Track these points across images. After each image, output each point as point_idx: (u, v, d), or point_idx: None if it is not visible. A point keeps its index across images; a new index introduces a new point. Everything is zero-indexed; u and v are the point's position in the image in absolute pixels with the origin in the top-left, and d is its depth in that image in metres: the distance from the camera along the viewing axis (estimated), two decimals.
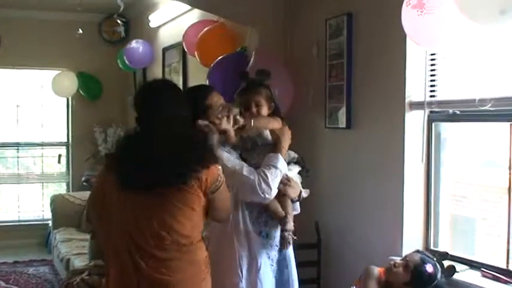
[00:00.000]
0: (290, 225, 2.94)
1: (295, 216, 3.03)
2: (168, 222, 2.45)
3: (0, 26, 7.52)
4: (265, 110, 2.98)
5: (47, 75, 8.01)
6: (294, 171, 3.07)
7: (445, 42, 2.91)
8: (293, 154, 3.10)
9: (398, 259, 3.10)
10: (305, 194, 3.08)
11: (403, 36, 3.28)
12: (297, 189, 3.04)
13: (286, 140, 3.00)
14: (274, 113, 3.03)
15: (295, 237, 2.97)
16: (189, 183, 2.42)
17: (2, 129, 8.27)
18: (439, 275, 2.98)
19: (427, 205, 3.43)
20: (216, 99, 2.89)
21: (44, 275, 6.68)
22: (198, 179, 2.43)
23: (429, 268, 2.96)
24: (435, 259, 3.04)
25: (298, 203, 3.10)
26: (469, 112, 3.11)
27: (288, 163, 3.01)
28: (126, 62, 7.18)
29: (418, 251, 3.11)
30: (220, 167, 2.55)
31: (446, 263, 3.07)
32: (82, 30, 7.18)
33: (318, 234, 4.04)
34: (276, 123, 2.99)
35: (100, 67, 8.01)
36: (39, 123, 8.38)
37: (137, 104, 2.57)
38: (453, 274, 3.05)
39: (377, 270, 3.12)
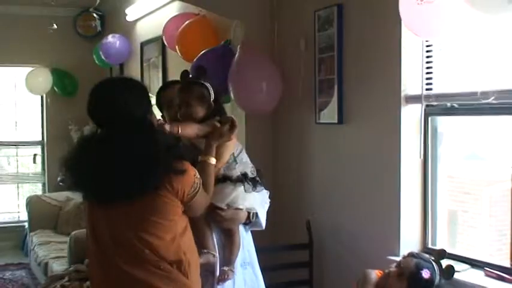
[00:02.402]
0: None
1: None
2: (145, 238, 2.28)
3: None
4: (198, 110, 2.69)
5: (20, 72, 7.81)
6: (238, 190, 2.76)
7: (446, 32, 2.82)
8: (243, 169, 2.77)
9: (393, 265, 2.95)
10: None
11: (398, 27, 3.20)
12: (239, 215, 2.73)
13: (214, 142, 2.66)
14: (214, 113, 2.74)
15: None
16: (155, 192, 2.26)
17: None
18: (437, 279, 2.85)
19: (424, 202, 3.32)
20: (168, 95, 2.87)
21: (21, 279, 6.54)
22: (171, 188, 2.27)
23: (425, 274, 2.82)
24: (432, 259, 2.91)
25: (260, 219, 2.83)
26: (469, 106, 3.00)
27: (235, 180, 2.74)
28: (102, 57, 7.05)
29: (413, 255, 2.95)
30: (195, 171, 2.38)
31: (444, 262, 2.95)
32: (56, 25, 7.05)
33: (309, 234, 3.92)
34: (207, 128, 2.67)
35: (75, 63, 7.81)
36: (13, 122, 8.20)
37: (97, 105, 2.37)
38: (453, 274, 2.92)
39: (374, 274, 2.99)
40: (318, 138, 4.00)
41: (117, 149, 2.25)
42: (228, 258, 2.73)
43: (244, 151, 2.84)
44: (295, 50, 4.11)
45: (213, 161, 2.58)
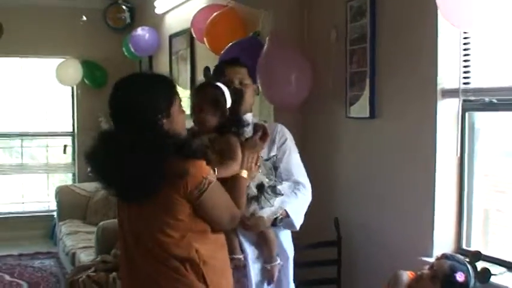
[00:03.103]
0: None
1: None
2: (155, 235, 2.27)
3: (3, 14, 7.31)
4: (209, 118, 2.53)
5: (51, 63, 7.81)
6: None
7: (485, 23, 2.64)
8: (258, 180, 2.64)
9: (426, 267, 2.81)
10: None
11: (434, 17, 3.06)
12: (263, 221, 2.66)
13: (246, 154, 2.53)
14: (231, 122, 2.54)
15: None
16: (162, 192, 2.21)
17: (6, 119, 8.12)
18: (471, 282, 2.71)
19: (460, 201, 3.18)
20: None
21: (50, 268, 6.58)
22: (175, 189, 2.21)
23: (460, 277, 2.68)
24: (467, 261, 2.77)
25: (292, 218, 2.78)
26: (509, 101, 2.85)
27: (250, 199, 2.62)
28: (132, 49, 7.04)
29: (446, 257, 2.81)
30: (208, 168, 2.26)
31: (480, 264, 2.81)
32: (86, 17, 7.03)
33: (337, 231, 3.80)
34: (235, 165, 2.48)
35: (105, 55, 7.81)
36: (44, 113, 8.24)
37: (112, 100, 2.31)
38: (489, 278, 2.78)
39: (406, 276, 2.85)
40: (348, 133, 3.88)
41: (120, 149, 2.21)
42: (268, 256, 2.76)
43: None
44: (326, 41, 3.99)
45: (244, 174, 2.49)
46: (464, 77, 3.06)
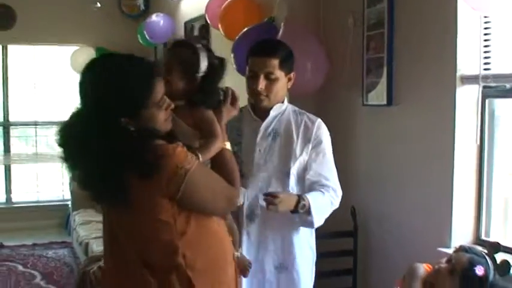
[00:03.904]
0: None
1: None
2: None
3: (16, 1, 7.30)
4: (176, 80, 2.19)
5: (65, 51, 7.79)
6: None
7: (506, 7, 2.56)
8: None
9: (443, 260, 2.72)
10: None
11: (453, 2, 2.98)
12: (290, 198, 2.62)
13: (223, 123, 2.29)
14: (202, 91, 2.23)
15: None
16: (130, 191, 1.89)
17: (21, 108, 8.11)
18: (491, 275, 2.62)
19: (479, 190, 3.10)
20: None
21: (64, 258, 6.56)
22: (145, 186, 1.89)
23: (479, 271, 2.58)
24: (486, 253, 2.68)
25: (313, 217, 2.68)
26: None
27: None
28: (147, 36, 6.97)
29: (465, 249, 2.70)
30: (182, 154, 1.91)
31: (499, 256, 2.72)
32: (100, 3, 6.97)
33: (354, 220, 3.73)
34: (218, 142, 2.20)
35: (120, 42, 7.70)
36: (58, 101, 8.15)
37: (79, 85, 1.99)
38: (509, 271, 2.69)
39: (423, 269, 2.76)
40: (365, 121, 3.80)
41: (79, 147, 1.93)
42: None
43: None
44: (343, 27, 3.90)
45: (228, 145, 2.23)
46: (485, 63, 2.98)
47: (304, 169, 2.77)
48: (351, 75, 3.82)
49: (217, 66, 2.26)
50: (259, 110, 2.81)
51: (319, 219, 2.72)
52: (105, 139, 1.87)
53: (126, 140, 1.88)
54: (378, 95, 3.57)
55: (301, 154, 2.76)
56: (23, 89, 8.06)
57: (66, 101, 8.20)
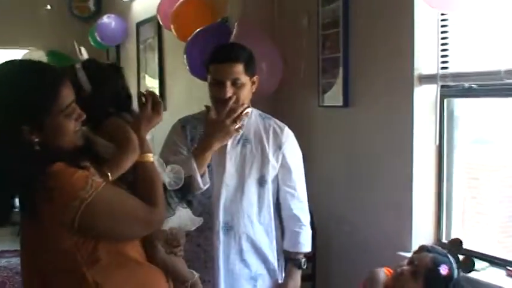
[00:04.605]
0: None
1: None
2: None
3: None
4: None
5: (15, 54, 7.53)
6: None
7: (464, 4, 2.50)
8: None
9: (404, 262, 2.64)
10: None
11: (410, 0, 2.89)
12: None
13: (145, 133, 2.07)
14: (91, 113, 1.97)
15: None
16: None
17: None
18: (455, 274, 2.55)
19: (439, 192, 3.05)
20: None
21: (16, 268, 6.28)
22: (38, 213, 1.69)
23: (444, 270, 2.50)
24: (447, 251, 2.61)
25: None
26: (490, 86, 2.71)
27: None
28: (98, 39, 6.81)
29: (427, 250, 2.62)
30: (80, 180, 1.70)
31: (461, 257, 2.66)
32: (50, 5, 6.81)
33: (312, 224, 3.62)
34: (131, 153, 1.99)
35: (71, 45, 7.55)
36: None
37: None
38: (472, 267, 2.64)
39: (383, 273, 2.69)
40: (321, 123, 3.72)
41: None
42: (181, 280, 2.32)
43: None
44: (297, 26, 3.82)
45: (151, 157, 1.97)
46: (443, 62, 2.93)
47: (276, 176, 2.72)
48: (307, 76, 3.75)
49: (106, 74, 2.06)
50: None
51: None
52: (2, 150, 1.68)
53: (25, 151, 1.69)
54: (334, 96, 3.49)
55: (273, 160, 2.68)
56: None
57: None
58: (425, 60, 2.96)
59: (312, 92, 3.69)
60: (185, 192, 2.22)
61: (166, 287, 2.01)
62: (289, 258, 2.79)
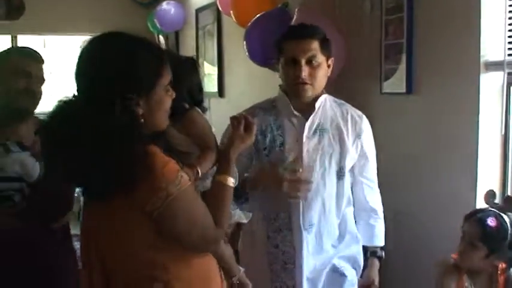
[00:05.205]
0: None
1: None
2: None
3: None
4: None
5: (76, 40, 7.70)
6: None
7: None
8: None
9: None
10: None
11: None
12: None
13: (234, 154, 2.01)
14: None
15: None
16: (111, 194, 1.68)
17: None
18: (509, 222, 2.44)
19: (504, 183, 2.95)
20: None
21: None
22: (125, 190, 1.66)
23: (491, 222, 2.40)
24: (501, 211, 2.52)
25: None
26: None
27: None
28: (157, 25, 6.86)
29: (470, 216, 2.52)
30: (172, 172, 1.69)
31: None
32: None
33: None
34: (211, 154, 2.08)
35: (130, 30, 7.61)
36: (70, 92, 8.10)
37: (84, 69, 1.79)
38: None
39: (451, 260, 2.60)
40: (383, 110, 3.62)
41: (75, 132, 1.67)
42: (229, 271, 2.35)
43: None
44: (359, 12, 3.74)
45: (231, 182, 1.91)
46: (510, 48, 2.83)
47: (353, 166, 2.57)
48: (369, 62, 3.67)
49: (184, 68, 2.11)
50: (299, 102, 2.48)
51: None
52: (110, 116, 1.66)
53: (132, 121, 1.68)
54: (396, 83, 3.41)
55: (353, 150, 2.53)
56: None
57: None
58: (492, 46, 2.86)
59: (374, 79, 3.62)
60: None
61: (220, 279, 1.99)
62: (366, 252, 2.67)
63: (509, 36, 2.83)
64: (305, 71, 2.36)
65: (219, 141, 2.20)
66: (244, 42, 4.15)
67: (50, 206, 2.56)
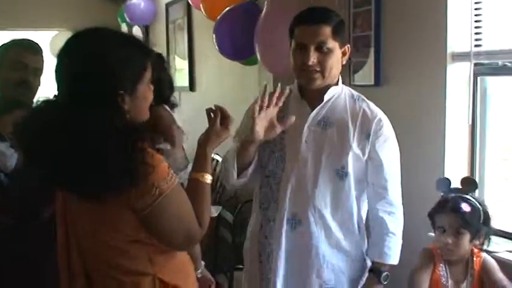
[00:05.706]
0: None
1: None
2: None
3: None
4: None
5: (44, 36, 7.59)
6: None
7: None
8: None
9: (439, 235, 2.60)
10: None
11: None
12: None
13: (210, 149, 1.98)
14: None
15: None
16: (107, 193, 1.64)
17: None
18: (477, 203, 2.51)
19: (472, 172, 3.00)
20: None
21: None
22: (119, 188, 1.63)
23: (466, 208, 2.46)
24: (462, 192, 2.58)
25: None
26: None
27: None
28: (127, 19, 6.82)
29: (442, 206, 2.57)
30: (164, 169, 1.68)
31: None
32: None
33: None
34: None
35: (100, 26, 7.58)
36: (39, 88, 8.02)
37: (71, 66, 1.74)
38: (475, 187, 2.61)
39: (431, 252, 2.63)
40: None
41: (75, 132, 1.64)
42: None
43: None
44: (328, 4, 3.73)
45: (209, 179, 1.88)
46: (476, 39, 2.87)
47: (363, 169, 2.35)
48: None
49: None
50: (308, 91, 2.36)
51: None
52: (100, 112, 1.63)
53: (121, 119, 1.66)
54: (365, 75, 3.44)
55: (358, 150, 2.33)
56: None
57: (47, 87, 8.11)
58: (458, 38, 2.90)
59: (343, 71, 3.61)
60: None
61: (193, 271, 2.01)
62: (371, 268, 2.41)
63: (475, 27, 2.87)
64: (313, 57, 2.24)
65: (196, 136, 2.16)
66: (214, 36, 4.13)
67: (30, 196, 2.50)
